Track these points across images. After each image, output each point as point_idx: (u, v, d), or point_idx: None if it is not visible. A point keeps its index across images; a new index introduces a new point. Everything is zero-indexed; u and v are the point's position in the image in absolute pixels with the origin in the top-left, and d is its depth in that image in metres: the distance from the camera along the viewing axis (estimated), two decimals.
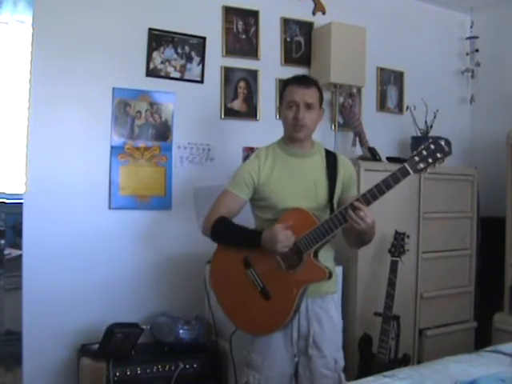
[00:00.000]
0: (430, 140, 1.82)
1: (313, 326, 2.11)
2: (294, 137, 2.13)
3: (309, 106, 2.08)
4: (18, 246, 3.18)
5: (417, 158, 1.81)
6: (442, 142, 1.80)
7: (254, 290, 2.06)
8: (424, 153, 1.81)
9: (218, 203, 2.18)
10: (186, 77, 3.12)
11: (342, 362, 2.17)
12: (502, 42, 3.94)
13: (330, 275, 2.00)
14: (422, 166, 1.81)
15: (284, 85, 2.19)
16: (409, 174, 1.83)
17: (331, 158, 2.19)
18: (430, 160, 1.80)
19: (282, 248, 1.96)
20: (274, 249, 1.97)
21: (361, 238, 2.06)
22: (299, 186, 2.12)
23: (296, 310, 2.03)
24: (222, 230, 2.12)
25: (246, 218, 2.21)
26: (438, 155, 1.80)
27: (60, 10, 2.78)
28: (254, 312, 2.08)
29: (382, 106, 3.82)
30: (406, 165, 1.83)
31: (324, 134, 3.41)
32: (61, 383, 2.80)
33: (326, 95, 3.57)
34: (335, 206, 2.15)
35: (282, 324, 2.04)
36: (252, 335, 2.14)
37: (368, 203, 1.88)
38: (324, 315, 2.13)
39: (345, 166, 2.20)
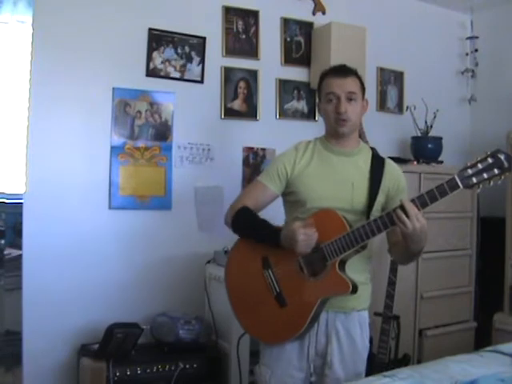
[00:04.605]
0: (488, 152, 1.57)
1: (331, 343, 1.89)
2: (337, 132, 1.91)
3: (350, 97, 1.88)
4: (18, 246, 3.18)
5: (470, 171, 1.58)
6: (502, 157, 1.55)
7: (268, 294, 1.87)
8: (479, 166, 1.58)
9: (246, 193, 2.03)
10: (185, 77, 3.12)
11: None
12: (502, 42, 3.94)
13: (354, 290, 1.76)
14: (474, 180, 1.58)
15: (320, 78, 1.98)
16: (458, 187, 1.60)
17: (378, 162, 1.96)
18: (486, 176, 1.57)
19: (302, 248, 1.74)
20: (293, 248, 1.75)
21: (408, 247, 1.77)
22: (334, 185, 1.90)
23: (312, 321, 1.83)
24: (243, 222, 1.93)
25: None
26: (496, 171, 1.56)
27: (60, 10, 2.78)
28: (265, 317, 1.89)
29: (381, 106, 3.82)
30: (455, 177, 1.59)
31: None
32: (61, 383, 2.80)
33: None
34: (374, 214, 1.88)
35: (295, 334, 1.84)
36: (261, 342, 1.97)
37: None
38: (344, 333, 1.91)
39: (391, 173, 1.96)
